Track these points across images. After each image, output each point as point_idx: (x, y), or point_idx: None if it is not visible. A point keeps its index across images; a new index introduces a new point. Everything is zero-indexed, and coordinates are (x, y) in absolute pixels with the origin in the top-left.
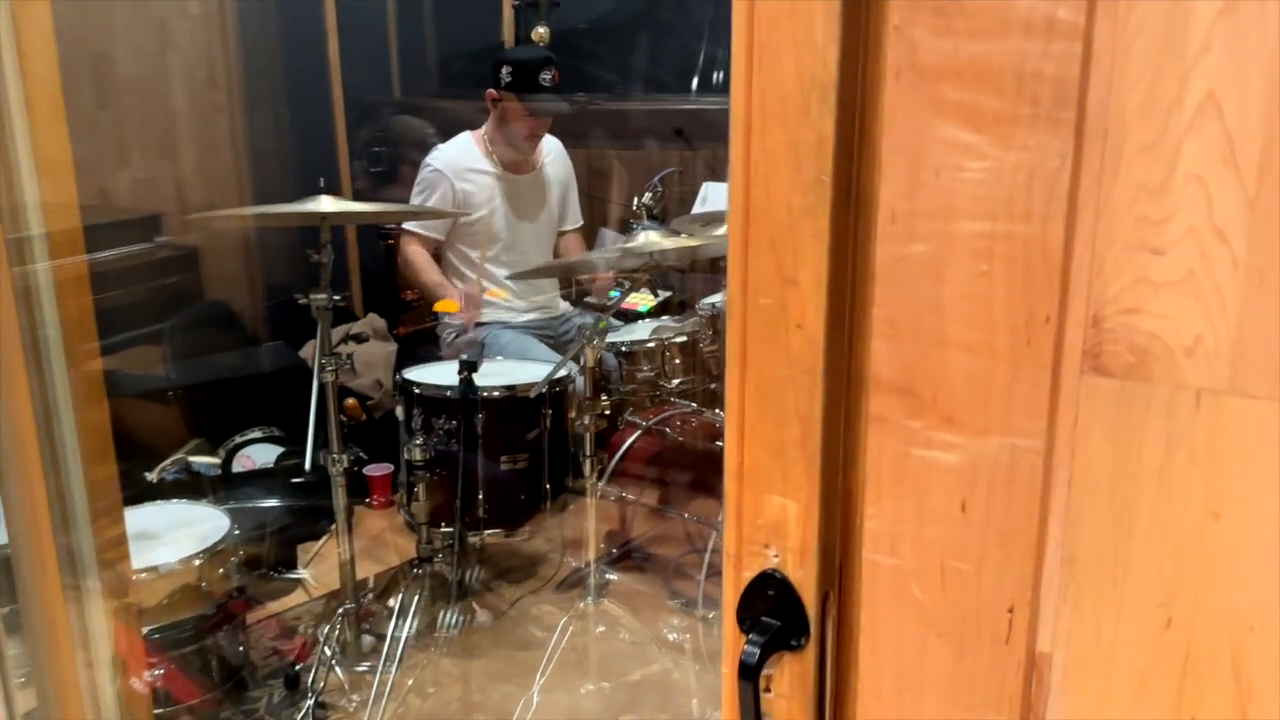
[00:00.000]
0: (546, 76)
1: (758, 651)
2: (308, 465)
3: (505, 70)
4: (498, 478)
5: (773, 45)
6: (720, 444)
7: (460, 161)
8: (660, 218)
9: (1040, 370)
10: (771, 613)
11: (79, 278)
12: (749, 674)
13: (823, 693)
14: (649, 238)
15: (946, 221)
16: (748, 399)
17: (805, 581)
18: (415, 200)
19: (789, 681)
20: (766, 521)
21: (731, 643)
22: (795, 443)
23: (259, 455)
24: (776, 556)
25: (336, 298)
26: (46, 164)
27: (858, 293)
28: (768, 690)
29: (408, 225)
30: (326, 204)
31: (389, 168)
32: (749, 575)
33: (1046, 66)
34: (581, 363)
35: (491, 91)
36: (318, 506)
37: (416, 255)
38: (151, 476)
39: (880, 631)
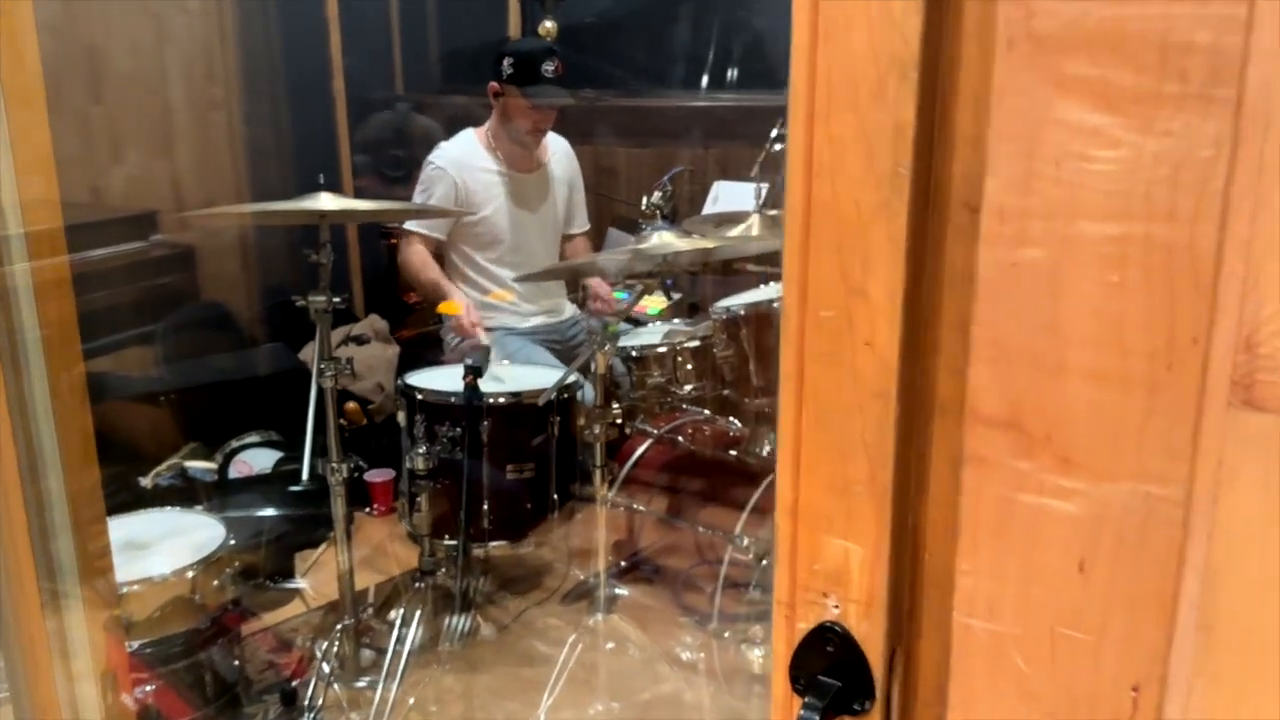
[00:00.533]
0: (549, 68)
1: (816, 717)
2: (305, 474)
3: (507, 62)
4: (503, 487)
5: (842, 17)
6: (734, 453)
7: (463, 159)
8: (671, 217)
9: (1182, 403)
10: (830, 671)
11: (60, 279)
12: None
13: None
14: (662, 239)
15: (1068, 222)
16: (805, 426)
17: (871, 636)
18: (417, 199)
19: None
20: (825, 567)
21: (783, 704)
22: (861, 478)
23: (256, 460)
24: (837, 607)
25: (336, 300)
26: (27, 161)
27: (937, 305)
28: None
29: (409, 225)
30: (326, 201)
31: (406, 172)
32: (804, 628)
33: (1200, 34)
34: (592, 369)
35: (494, 85)
36: (316, 513)
37: (415, 254)
38: (146, 482)
39: (973, 708)
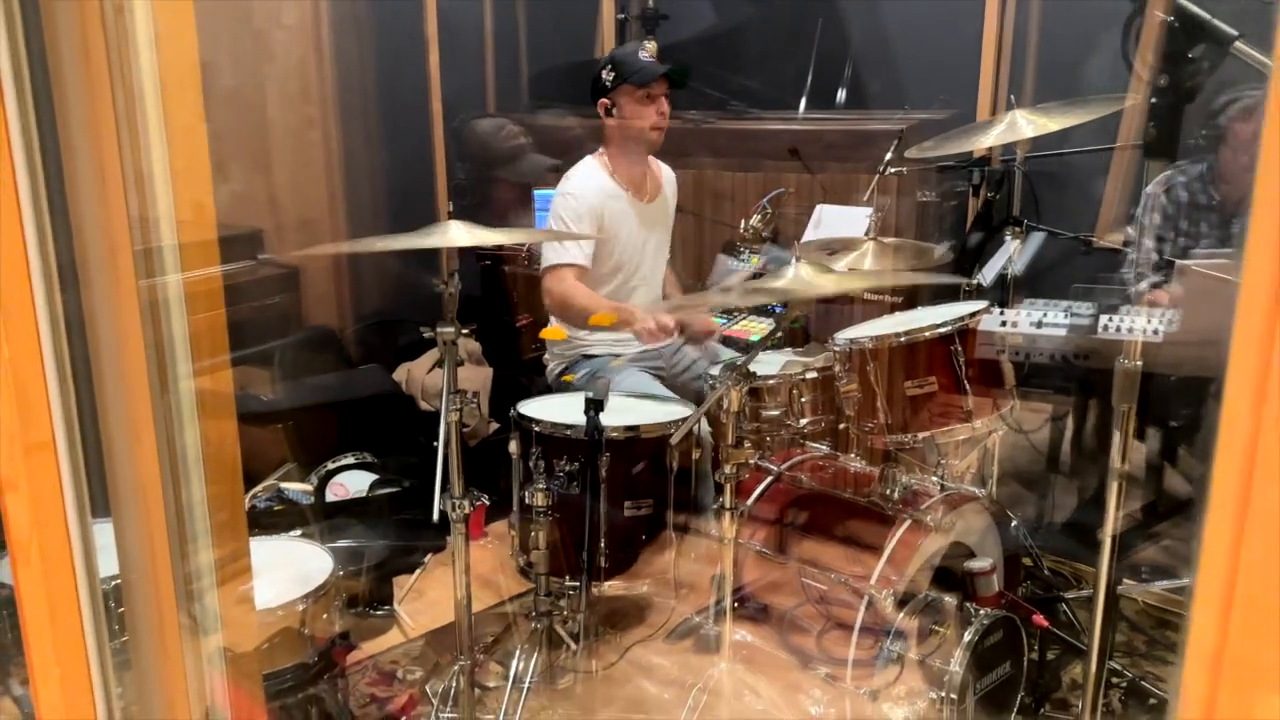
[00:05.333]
0: (645, 52)
1: None
2: (435, 516)
3: (606, 70)
4: (621, 524)
5: None
6: (863, 498)
7: (599, 186)
8: (773, 239)
9: None
10: None
11: (211, 290)
12: None
13: None
14: (803, 273)
15: None
16: (1244, 559)
17: None
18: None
19: None
20: None
21: None
22: None
23: (352, 483)
24: None
25: (465, 330)
26: (181, 170)
27: None
28: None
29: (555, 259)
30: (458, 232)
31: (516, 195)
32: None
33: None
34: (724, 405)
35: (604, 101)
36: (415, 538)
37: (574, 287)
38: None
39: None
